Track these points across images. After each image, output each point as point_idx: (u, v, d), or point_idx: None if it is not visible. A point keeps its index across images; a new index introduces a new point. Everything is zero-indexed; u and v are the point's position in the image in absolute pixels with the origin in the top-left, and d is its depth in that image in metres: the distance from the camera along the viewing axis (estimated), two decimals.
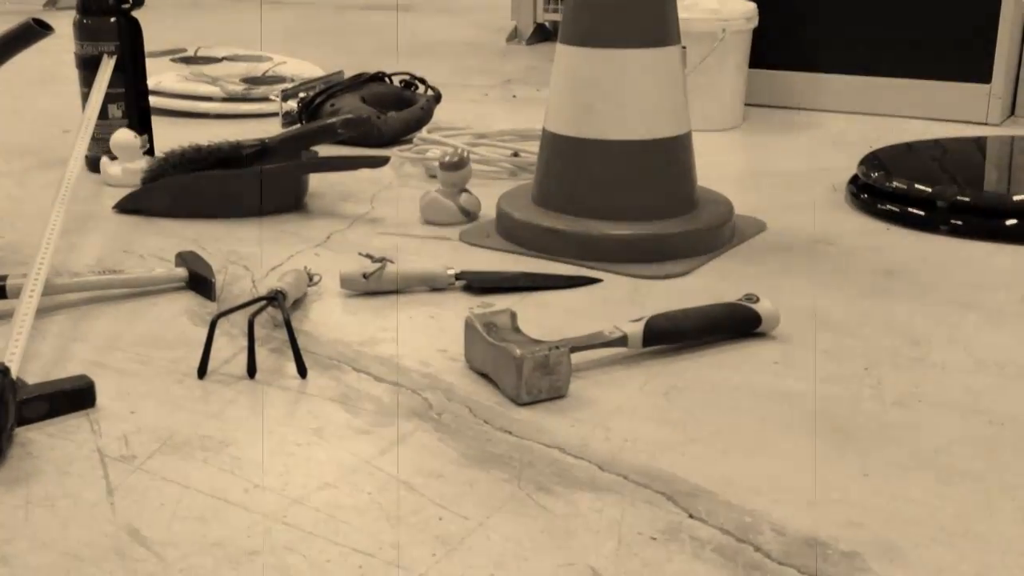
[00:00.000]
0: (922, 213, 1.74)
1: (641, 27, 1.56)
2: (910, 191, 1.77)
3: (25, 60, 1.77)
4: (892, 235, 1.71)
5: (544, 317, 1.37)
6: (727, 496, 0.97)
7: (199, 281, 1.46)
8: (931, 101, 2.52)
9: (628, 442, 1.06)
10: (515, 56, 3.60)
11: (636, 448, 1.05)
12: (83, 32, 2.02)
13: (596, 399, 1.16)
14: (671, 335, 1.27)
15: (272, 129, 2.28)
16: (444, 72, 3.16)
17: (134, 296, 1.46)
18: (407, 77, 2.50)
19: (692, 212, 1.64)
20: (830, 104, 2.63)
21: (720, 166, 2.13)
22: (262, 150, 1.84)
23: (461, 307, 1.39)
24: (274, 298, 1.31)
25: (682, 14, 1.73)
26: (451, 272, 1.47)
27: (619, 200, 1.59)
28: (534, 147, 2.05)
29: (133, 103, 2.06)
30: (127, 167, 1.97)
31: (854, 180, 1.92)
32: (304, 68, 3.01)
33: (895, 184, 1.80)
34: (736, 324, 1.30)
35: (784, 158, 2.21)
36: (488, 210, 1.76)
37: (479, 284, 1.47)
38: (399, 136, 2.30)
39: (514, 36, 3.87)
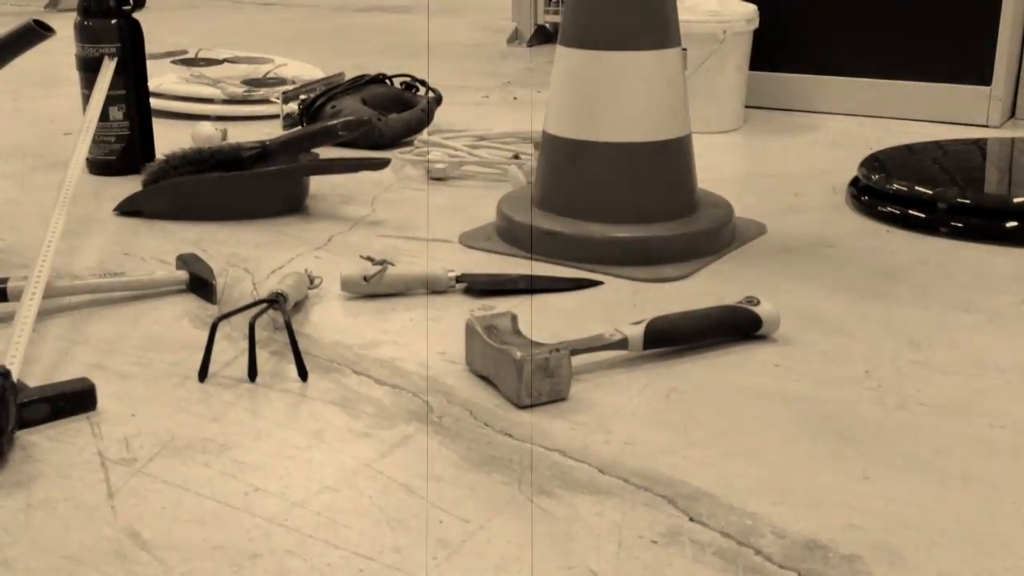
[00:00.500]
0: (922, 215, 1.74)
1: (641, 29, 1.56)
2: (910, 193, 1.77)
3: (26, 62, 1.77)
4: (892, 237, 1.71)
5: (545, 320, 1.37)
6: (728, 499, 0.97)
7: (200, 284, 1.46)
8: (932, 103, 2.52)
9: (629, 445, 1.06)
10: (516, 58, 3.60)
11: (637, 451, 1.05)
12: (84, 34, 2.02)
13: (597, 402, 1.16)
14: (672, 338, 1.27)
15: (273, 131, 2.29)
16: (445, 74, 3.16)
17: (135, 299, 1.46)
18: (408, 79, 2.51)
19: (692, 215, 1.64)
20: (830, 106, 2.63)
21: (720, 168, 2.13)
22: (263, 152, 1.85)
23: (462, 310, 1.39)
24: (275, 301, 1.31)
25: (682, 16, 1.73)
26: (452, 275, 1.47)
27: (619, 202, 1.59)
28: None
29: (134, 105, 2.06)
30: None
31: (854, 182, 1.92)
32: (305, 70, 3.01)
33: (895, 186, 1.80)
34: (736, 327, 1.30)
35: (784, 160, 2.21)
36: (488, 213, 1.76)
37: (480, 287, 1.47)
38: (400, 138, 2.30)
39: (515, 38, 3.87)
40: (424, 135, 2.27)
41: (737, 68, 2.44)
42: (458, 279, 1.47)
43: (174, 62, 3.13)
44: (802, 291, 1.47)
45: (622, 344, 1.24)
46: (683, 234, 1.58)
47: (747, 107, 2.55)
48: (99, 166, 2.08)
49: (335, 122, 1.88)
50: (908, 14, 2.51)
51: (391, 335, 1.34)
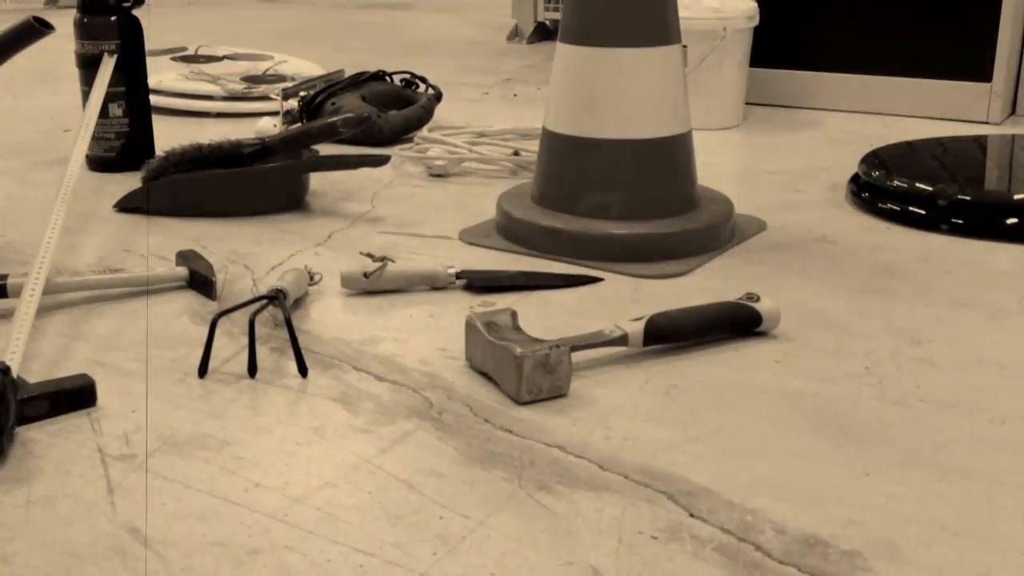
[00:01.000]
0: (923, 212, 1.74)
1: (642, 26, 1.56)
2: (911, 190, 1.77)
3: (26, 59, 1.77)
4: (893, 234, 1.71)
5: (545, 316, 1.37)
6: (728, 495, 0.97)
7: (200, 280, 1.46)
8: (932, 100, 2.52)
9: (629, 441, 1.06)
10: (516, 55, 3.60)
11: (637, 447, 1.05)
12: (84, 31, 2.02)
13: (597, 398, 1.16)
14: (672, 334, 1.27)
15: (272, 128, 2.29)
16: (445, 71, 3.16)
17: (135, 295, 1.46)
18: (408, 76, 2.50)
19: (692, 211, 1.64)
20: (831, 103, 2.63)
21: (720, 165, 2.13)
22: (263, 149, 1.84)
23: (462, 306, 1.39)
24: (275, 297, 1.31)
25: (683, 13, 1.73)
26: (452, 271, 1.47)
27: (619, 199, 1.59)
28: (534, 146, 2.05)
29: (134, 102, 2.06)
30: None
31: (855, 179, 1.92)
32: (305, 67, 3.01)
33: (896, 183, 1.80)
34: (737, 323, 1.30)
35: (785, 157, 2.21)
36: (488, 209, 1.76)
37: (479, 283, 1.47)
38: (400, 135, 2.30)
39: (515, 35, 3.87)
40: (424, 132, 2.27)
41: (737, 65, 2.44)
42: (458, 275, 1.47)
43: (174, 59, 3.14)
44: (802, 287, 1.47)
45: (622, 340, 1.24)
46: (683, 230, 1.58)
47: (747, 104, 2.55)
48: (99, 163, 2.08)
49: (335, 119, 1.88)
50: (908, 12, 2.51)
51: (391, 331, 1.34)
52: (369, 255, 1.48)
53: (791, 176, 2.05)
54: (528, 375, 1.13)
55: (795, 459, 1.03)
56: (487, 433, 1.08)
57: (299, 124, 2.28)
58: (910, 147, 2.06)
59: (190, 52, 3.25)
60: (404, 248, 1.64)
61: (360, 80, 2.45)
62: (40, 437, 1.08)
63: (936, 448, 1.05)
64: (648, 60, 1.57)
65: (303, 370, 1.22)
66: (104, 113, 2.01)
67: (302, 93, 2.44)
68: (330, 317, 1.38)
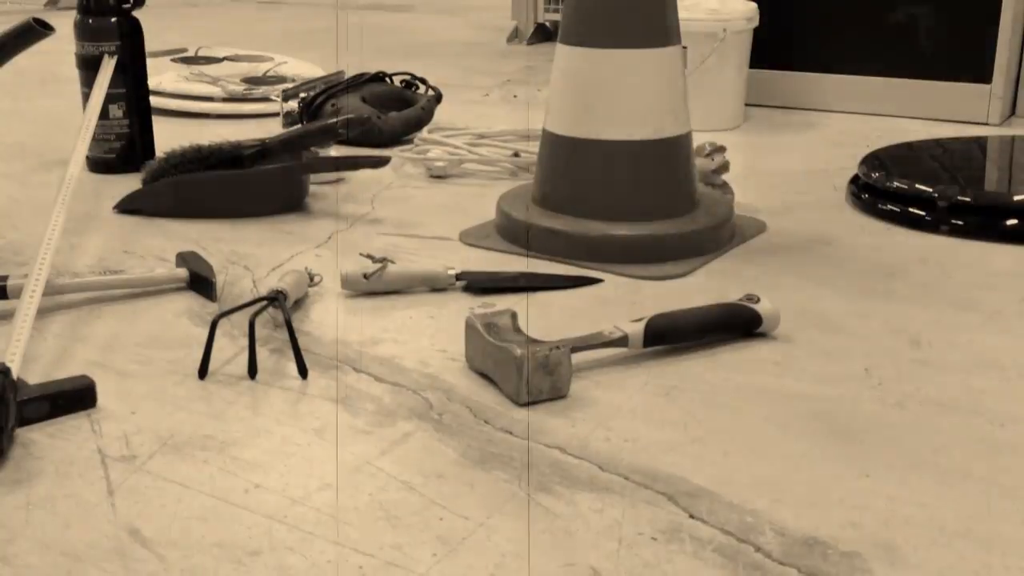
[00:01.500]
0: (923, 213, 1.74)
1: (641, 27, 1.56)
2: (911, 191, 1.77)
3: (26, 60, 1.77)
4: (893, 235, 1.71)
5: (545, 317, 1.37)
6: (728, 496, 0.97)
7: (200, 281, 1.46)
8: (931, 101, 2.52)
9: (629, 442, 1.06)
10: (516, 56, 3.60)
11: (637, 448, 1.05)
12: (84, 32, 2.02)
13: (597, 399, 1.16)
14: (672, 335, 1.27)
15: (273, 129, 2.29)
16: (445, 72, 3.16)
17: (135, 296, 1.46)
18: (408, 77, 2.50)
19: (692, 212, 1.64)
20: (830, 104, 2.63)
21: None
22: (263, 150, 1.84)
23: (461, 307, 1.39)
24: (275, 298, 1.31)
25: (682, 14, 1.73)
26: (451, 272, 1.47)
27: (619, 200, 1.59)
28: (534, 147, 2.05)
29: (134, 103, 2.06)
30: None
31: (855, 180, 1.92)
32: (305, 68, 3.01)
33: (896, 184, 1.80)
34: (736, 324, 1.30)
35: (784, 158, 2.21)
36: (488, 211, 1.76)
37: (479, 284, 1.47)
38: (400, 136, 2.30)
39: (515, 36, 3.87)
40: (424, 133, 2.27)
41: (737, 66, 2.44)
42: (458, 277, 1.47)
43: (174, 60, 3.14)
44: (802, 289, 1.47)
45: (622, 342, 1.24)
46: (683, 232, 1.58)
47: (747, 105, 2.55)
48: (99, 164, 2.08)
49: (335, 120, 1.88)
50: (908, 12, 2.51)
51: (391, 333, 1.34)
52: (369, 256, 1.48)
53: (791, 177, 2.05)
54: (528, 376, 1.13)
55: (795, 460, 1.03)
56: (487, 434, 1.08)
57: (299, 125, 2.28)
58: (910, 148, 2.06)
59: (190, 53, 3.25)
60: (404, 249, 1.64)
61: (360, 81, 2.45)
62: (40, 438, 1.08)
63: (936, 450, 1.05)
64: (648, 61, 1.57)
65: (303, 371, 1.22)
66: (104, 114, 2.01)
67: (302, 94, 2.44)
68: (330, 318, 1.38)
